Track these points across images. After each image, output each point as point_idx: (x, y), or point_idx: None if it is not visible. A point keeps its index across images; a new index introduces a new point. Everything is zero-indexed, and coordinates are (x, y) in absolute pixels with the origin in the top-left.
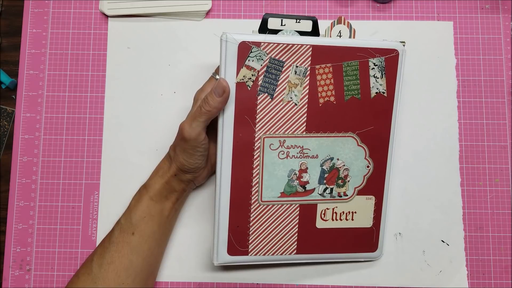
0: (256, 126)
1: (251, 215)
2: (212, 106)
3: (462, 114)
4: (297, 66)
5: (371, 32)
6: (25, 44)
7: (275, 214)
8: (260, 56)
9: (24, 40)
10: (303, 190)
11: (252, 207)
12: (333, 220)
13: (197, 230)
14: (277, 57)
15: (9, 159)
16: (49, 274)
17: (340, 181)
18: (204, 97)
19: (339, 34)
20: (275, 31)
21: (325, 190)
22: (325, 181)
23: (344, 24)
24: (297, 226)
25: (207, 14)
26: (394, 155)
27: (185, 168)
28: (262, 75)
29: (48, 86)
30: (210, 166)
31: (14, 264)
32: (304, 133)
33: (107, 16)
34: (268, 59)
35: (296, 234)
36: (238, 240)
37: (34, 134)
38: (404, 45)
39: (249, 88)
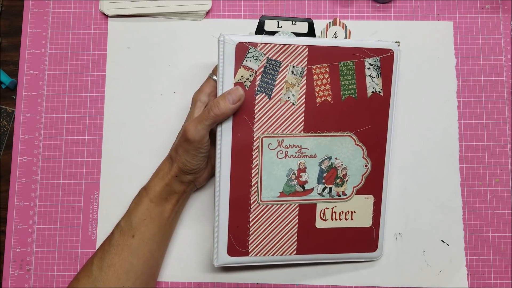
0: (255, 126)
1: (251, 215)
2: (222, 111)
3: (462, 114)
4: (294, 66)
5: (371, 32)
6: (25, 44)
7: (275, 214)
8: (257, 56)
9: (24, 40)
10: (302, 189)
11: (251, 207)
12: (332, 219)
13: (197, 230)
14: (274, 58)
15: (9, 159)
16: (49, 274)
17: (338, 180)
18: (215, 100)
19: (334, 35)
20: (271, 33)
21: (324, 189)
22: (323, 181)
23: (339, 25)
24: (296, 226)
25: (207, 14)
26: (394, 155)
27: (186, 169)
28: (260, 75)
29: (48, 86)
30: (211, 167)
31: (14, 264)
32: (302, 132)
33: (107, 16)
34: (265, 60)
35: (296, 234)
36: (238, 240)
37: (34, 134)
38: (399, 45)
39: (247, 88)
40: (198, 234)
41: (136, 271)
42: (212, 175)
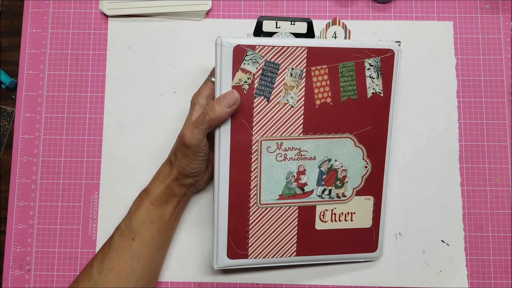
0: (253, 129)
1: (250, 218)
2: (217, 115)
3: (462, 114)
4: (292, 68)
5: (371, 32)
6: (25, 44)
7: (274, 216)
8: (255, 59)
9: (24, 40)
10: (302, 192)
11: (251, 210)
12: (332, 221)
13: (198, 232)
14: (272, 60)
15: (9, 159)
16: (49, 274)
17: (338, 182)
18: (211, 104)
19: (334, 35)
20: (270, 34)
21: (323, 191)
22: (323, 183)
23: (339, 25)
24: (296, 228)
25: (207, 14)
26: (394, 155)
27: (186, 172)
28: (258, 78)
29: (48, 86)
30: (212, 170)
31: (14, 264)
32: (301, 135)
33: (107, 16)
34: (264, 62)
35: (296, 236)
36: (238, 243)
37: (34, 134)
38: (399, 45)
39: (245, 92)
40: (198, 235)
41: (136, 273)
42: (212, 177)
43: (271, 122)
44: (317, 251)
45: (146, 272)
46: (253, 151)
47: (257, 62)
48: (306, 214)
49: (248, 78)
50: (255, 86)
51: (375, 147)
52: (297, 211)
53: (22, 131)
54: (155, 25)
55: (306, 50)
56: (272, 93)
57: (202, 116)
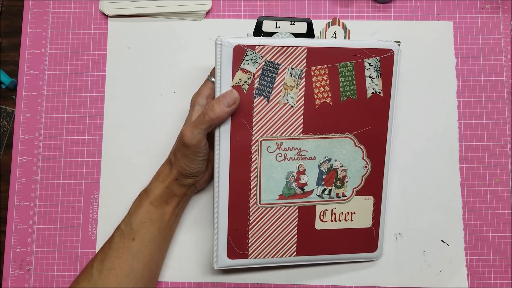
0: (253, 129)
1: (250, 218)
2: (217, 115)
3: (462, 114)
4: (292, 68)
5: (371, 32)
6: (25, 44)
7: (274, 216)
8: (255, 59)
9: (24, 40)
10: (302, 192)
11: (251, 210)
12: (332, 221)
13: (198, 232)
14: (272, 60)
15: (9, 159)
16: (49, 274)
17: (338, 182)
18: (210, 104)
19: (334, 35)
20: (269, 34)
21: (323, 191)
22: (323, 183)
23: (338, 25)
24: (296, 228)
25: (207, 14)
26: (394, 155)
27: (186, 173)
28: (258, 78)
29: (48, 86)
30: (212, 170)
31: (14, 264)
32: (301, 135)
33: (107, 16)
34: (263, 62)
35: (296, 236)
36: (238, 243)
37: (34, 134)
38: (399, 45)
39: (245, 92)
40: (198, 235)
41: (137, 273)
42: (213, 177)
43: (271, 122)
44: (317, 251)
45: (146, 272)
46: (253, 151)
47: (257, 62)
48: (306, 214)
49: (248, 78)
50: (255, 86)
51: (375, 147)
52: (297, 211)
53: (22, 131)
54: (155, 25)
55: (306, 50)
56: (272, 93)
57: (202, 116)
